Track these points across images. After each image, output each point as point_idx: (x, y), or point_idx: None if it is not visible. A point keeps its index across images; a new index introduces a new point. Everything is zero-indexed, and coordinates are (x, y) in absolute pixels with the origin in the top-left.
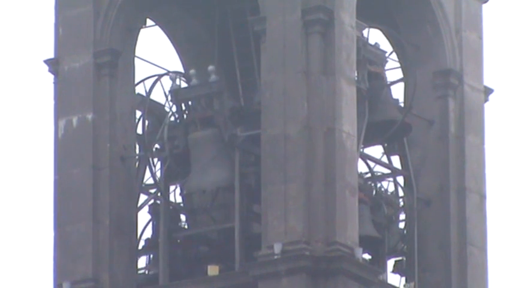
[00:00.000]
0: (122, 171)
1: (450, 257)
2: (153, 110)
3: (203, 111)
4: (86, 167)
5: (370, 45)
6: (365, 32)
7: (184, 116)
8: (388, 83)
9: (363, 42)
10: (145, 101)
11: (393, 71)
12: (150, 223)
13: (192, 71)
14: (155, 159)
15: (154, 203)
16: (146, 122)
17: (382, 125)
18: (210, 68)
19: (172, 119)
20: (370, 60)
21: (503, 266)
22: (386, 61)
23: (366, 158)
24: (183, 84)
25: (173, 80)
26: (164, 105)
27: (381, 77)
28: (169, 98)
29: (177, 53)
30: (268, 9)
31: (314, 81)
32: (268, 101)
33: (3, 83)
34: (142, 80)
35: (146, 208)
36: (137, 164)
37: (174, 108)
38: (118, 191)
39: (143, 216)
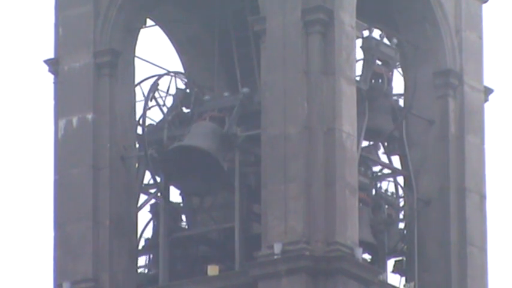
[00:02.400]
0: (121, 171)
1: (450, 257)
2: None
3: (218, 112)
4: (86, 167)
5: (385, 44)
6: (376, 32)
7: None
8: (390, 83)
9: (376, 42)
10: (146, 101)
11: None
12: (150, 223)
13: (226, 94)
14: (154, 159)
15: (155, 202)
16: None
17: (376, 130)
18: (245, 90)
19: (172, 118)
20: (380, 60)
21: (503, 266)
22: (398, 62)
23: (366, 158)
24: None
25: (196, 93)
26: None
27: (384, 78)
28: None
29: (177, 53)
30: (268, 9)
31: (314, 81)
32: (268, 101)
33: (3, 83)
34: (143, 80)
35: (146, 208)
36: (137, 164)
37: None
38: (118, 191)
39: (143, 216)
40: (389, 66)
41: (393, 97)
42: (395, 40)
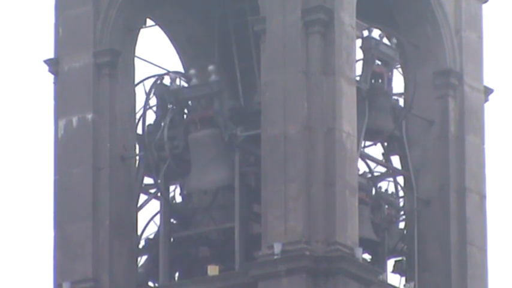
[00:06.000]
0: (121, 171)
1: (450, 257)
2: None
3: (203, 111)
4: (86, 167)
5: (385, 44)
6: (376, 32)
7: (184, 116)
8: (390, 83)
9: (375, 42)
10: (146, 101)
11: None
12: (151, 223)
13: (192, 71)
14: (155, 159)
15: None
16: (151, 119)
17: (376, 131)
18: (210, 67)
19: (171, 118)
20: (380, 60)
21: (503, 266)
22: (398, 62)
23: (366, 158)
24: (184, 84)
25: (173, 80)
26: (166, 103)
27: (384, 78)
28: (169, 98)
29: (177, 53)
30: (268, 9)
31: (314, 81)
32: (268, 101)
33: (3, 83)
34: (143, 80)
35: (146, 208)
36: (137, 164)
37: (174, 108)
38: (118, 191)
39: (143, 216)
40: (389, 66)
41: (393, 97)
42: (394, 40)
